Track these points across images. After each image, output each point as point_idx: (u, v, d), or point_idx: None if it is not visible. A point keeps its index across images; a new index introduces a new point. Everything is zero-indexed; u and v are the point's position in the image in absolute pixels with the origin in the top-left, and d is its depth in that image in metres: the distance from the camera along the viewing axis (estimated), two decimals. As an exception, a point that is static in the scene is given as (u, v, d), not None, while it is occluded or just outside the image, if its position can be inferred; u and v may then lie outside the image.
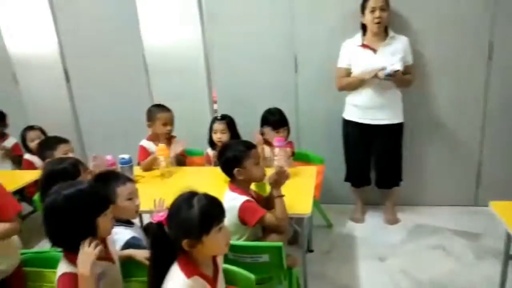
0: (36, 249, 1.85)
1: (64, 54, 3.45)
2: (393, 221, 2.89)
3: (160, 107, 2.66)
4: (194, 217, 1.16)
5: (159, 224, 1.22)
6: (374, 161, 2.87)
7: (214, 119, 2.70)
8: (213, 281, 1.25)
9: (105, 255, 1.33)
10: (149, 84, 3.34)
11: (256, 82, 3.08)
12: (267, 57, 3.02)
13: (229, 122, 2.65)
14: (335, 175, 3.01)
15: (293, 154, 2.55)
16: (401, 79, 2.54)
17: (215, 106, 3.32)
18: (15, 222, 1.52)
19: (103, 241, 1.35)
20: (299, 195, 1.95)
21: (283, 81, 3.04)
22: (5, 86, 3.60)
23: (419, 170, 3.02)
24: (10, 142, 3.21)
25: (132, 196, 1.64)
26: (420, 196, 3.08)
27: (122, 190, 1.61)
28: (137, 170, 2.47)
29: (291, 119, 2.68)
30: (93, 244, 1.21)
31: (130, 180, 1.70)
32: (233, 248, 1.58)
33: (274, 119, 2.54)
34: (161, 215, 1.22)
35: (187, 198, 1.20)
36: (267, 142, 2.51)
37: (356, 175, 2.93)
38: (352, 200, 3.05)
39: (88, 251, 1.20)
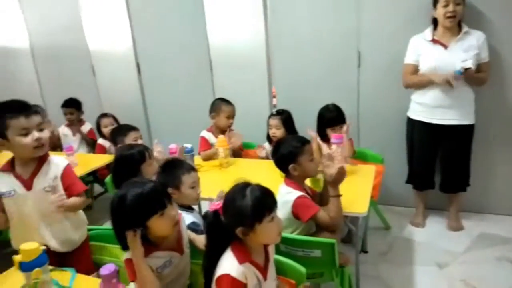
0: (105, 226, 2.03)
1: (137, 49, 3.69)
2: (456, 228, 2.73)
3: (225, 101, 2.76)
4: (247, 206, 1.20)
5: (215, 212, 1.28)
6: (440, 164, 2.72)
7: (271, 115, 2.74)
8: (263, 269, 1.28)
9: (176, 247, 1.40)
10: (212, 78, 3.46)
11: (316, 77, 3.06)
12: (329, 52, 2.98)
13: (284, 118, 2.66)
14: (396, 176, 2.90)
15: (354, 152, 2.50)
16: (472, 78, 2.38)
17: (274, 101, 3.36)
18: (82, 198, 1.69)
19: (178, 233, 1.42)
20: (355, 194, 1.92)
21: (345, 77, 2.98)
22: (84, 77, 3.94)
23: (488, 175, 2.80)
24: (86, 127, 3.54)
25: (195, 184, 1.73)
26: (488, 203, 2.87)
27: (186, 178, 1.70)
28: (197, 159, 2.58)
29: (351, 116, 2.63)
30: (133, 237, 1.24)
31: (193, 169, 1.79)
32: (286, 240, 1.61)
33: (331, 116, 2.48)
34: (217, 204, 1.29)
35: (241, 188, 1.25)
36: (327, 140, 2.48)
37: (419, 177, 2.80)
38: (412, 203, 2.93)
39: (131, 245, 1.25)
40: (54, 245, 1.64)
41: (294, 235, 1.72)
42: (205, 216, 1.83)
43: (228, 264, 1.22)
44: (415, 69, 2.56)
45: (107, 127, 3.21)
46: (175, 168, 1.72)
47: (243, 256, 1.23)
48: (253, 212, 1.20)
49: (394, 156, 2.86)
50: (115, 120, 3.31)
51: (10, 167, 1.57)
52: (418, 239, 2.65)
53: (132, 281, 1.27)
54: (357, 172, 2.22)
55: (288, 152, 1.77)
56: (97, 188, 3.49)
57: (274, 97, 3.35)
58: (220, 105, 2.73)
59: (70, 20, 3.81)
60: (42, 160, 1.59)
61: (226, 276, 1.19)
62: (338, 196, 1.70)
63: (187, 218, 1.68)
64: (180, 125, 3.65)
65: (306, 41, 3.02)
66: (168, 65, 3.60)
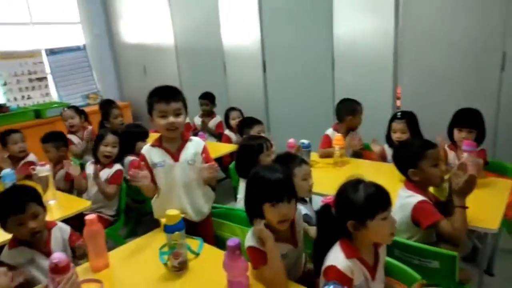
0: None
1: (264, 48, 3.91)
2: None
3: (355, 101, 2.77)
4: (359, 200, 1.22)
5: (327, 205, 1.33)
6: None
7: (394, 117, 2.60)
8: (372, 269, 1.28)
9: (290, 239, 1.44)
10: (333, 76, 3.47)
11: (449, 79, 2.84)
12: (468, 52, 2.74)
13: (409, 120, 2.51)
14: (539, 196, 2.52)
15: (486, 163, 2.25)
16: None
17: (398, 103, 3.21)
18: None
19: (293, 227, 1.45)
20: (486, 208, 1.76)
21: (484, 80, 2.71)
22: (216, 74, 4.35)
23: None
24: (216, 120, 3.90)
25: (307, 177, 1.81)
26: None
27: (298, 171, 1.78)
28: (313, 155, 2.64)
29: (488, 123, 2.37)
30: (258, 224, 1.33)
31: (305, 162, 1.87)
32: (402, 246, 1.57)
33: (461, 115, 2.26)
34: (329, 198, 1.34)
35: (354, 183, 1.27)
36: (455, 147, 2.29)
37: None
38: (558, 230, 2.50)
39: (259, 231, 1.34)
40: (191, 213, 1.86)
41: (411, 242, 1.65)
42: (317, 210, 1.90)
43: (336, 257, 1.25)
44: None
45: (235, 119, 3.53)
46: (288, 162, 1.80)
47: (351, 251, 1.25)
48: (365, 207, 1.21)
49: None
50: (241, 113, 3.60)
51: (159, 142, 1.85)
52: None
53: (255, 268, 1.36)
54: (490, 185, 2.01)
55: (408, 155, 1.71)
56: (220, 174, 3.82)
57: (398, 98, 3.20)
58: (356, 106, 2.74)
59: (209, 21, 4.25)
60: (185, 139, 1.86)
61: (333, 268, 1.22)
62: (464, 207, 1.57)
63: (300, 209, 1.76)
64: (298, 121, 3.77)
65: (441, 38, 2.83)
66: (291, 63, 3.74)
